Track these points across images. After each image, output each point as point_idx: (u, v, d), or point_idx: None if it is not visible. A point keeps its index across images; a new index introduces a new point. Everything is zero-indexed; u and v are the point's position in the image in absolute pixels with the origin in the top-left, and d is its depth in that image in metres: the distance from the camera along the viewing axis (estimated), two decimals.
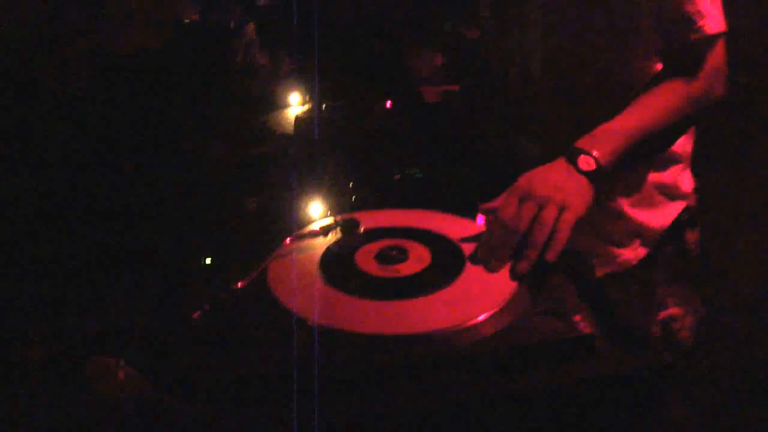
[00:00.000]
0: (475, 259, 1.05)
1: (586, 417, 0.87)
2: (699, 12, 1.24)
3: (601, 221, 1.15)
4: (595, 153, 1.15)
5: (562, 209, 1.05)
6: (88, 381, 0.86)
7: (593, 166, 1.14)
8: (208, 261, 1.14)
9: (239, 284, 0.98)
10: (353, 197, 1.32)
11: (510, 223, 1.05)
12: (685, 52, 1.29)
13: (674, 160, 1.44)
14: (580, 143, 1.18)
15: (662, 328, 1.49)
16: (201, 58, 2.11)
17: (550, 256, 1.01)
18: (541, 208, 1.05)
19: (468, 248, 1.08)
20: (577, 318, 0.91)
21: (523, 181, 1.11)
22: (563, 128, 1.31)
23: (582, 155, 1.15)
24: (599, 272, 1.35)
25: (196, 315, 0.92)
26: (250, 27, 2.65)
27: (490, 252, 1.04)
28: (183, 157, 1.62)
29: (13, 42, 1.41)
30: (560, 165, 1.14)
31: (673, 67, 1.31)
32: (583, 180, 1.13)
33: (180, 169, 1.54)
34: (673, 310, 1.50)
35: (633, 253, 1.43)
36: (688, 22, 1.25)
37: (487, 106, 1.60)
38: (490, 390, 0.85)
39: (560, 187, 1.09)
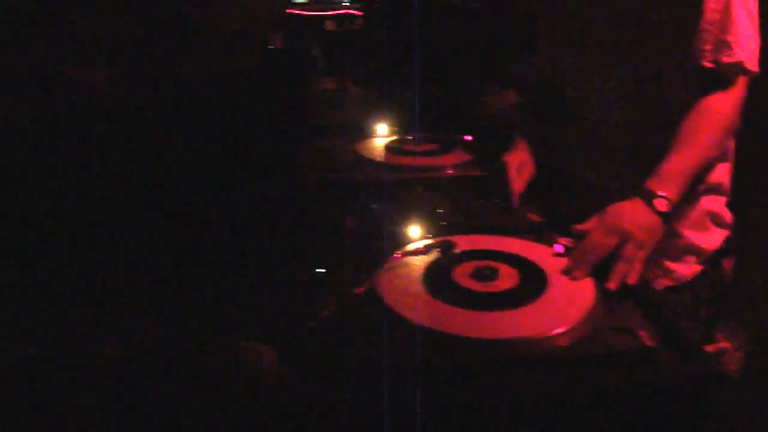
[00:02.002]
0: (562, 271, 1.26)
1: (645, 418, 1.04)
2: (737, 41, 1.42)
3: (661, 239, 1.34)
4: (667, 194, 1.36)
5: (639, 247, 1.27)
6: (239, 363, 1.06)
7: (667, 208, 1.34)
8: (320, 271, 1.34)
9: (358, 291, 1.18)
10: (443, 222, 1.50)
11: (595, 247, 1.27)
12: (717, 75, 1.44)
13: (722, 192, 1.61)
14: (651, 185, 1.37)
15: (713, 360, 1.64)
16: (289, 83, 2.29)
17: (632, 280, 1.23)
18: (623, 241, 1.26)
19: (551, 270, 1.26)
20: (641, 333, 1.07)
21: (611, 215, 1.32)
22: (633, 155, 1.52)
23: (656, 198, 1.35)
24: (660, 285, 1.56)
25: (325, 313, 1.12)
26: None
27: (575, 264, 1.26)
28: (283, 181, 1.81)
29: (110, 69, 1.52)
30: (640, 205, 1.35)
31: (707, 93, 1.45)
32: (659, 220, 1.34)
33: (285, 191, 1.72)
34: (724, 344, 1.65)
35: (689, 269, 1.60)
36: (725, 47, 1.43)
37: (563, 141, 1.77)
38: (565, 390, 1.02)
39: (641, 226, 1.30)
